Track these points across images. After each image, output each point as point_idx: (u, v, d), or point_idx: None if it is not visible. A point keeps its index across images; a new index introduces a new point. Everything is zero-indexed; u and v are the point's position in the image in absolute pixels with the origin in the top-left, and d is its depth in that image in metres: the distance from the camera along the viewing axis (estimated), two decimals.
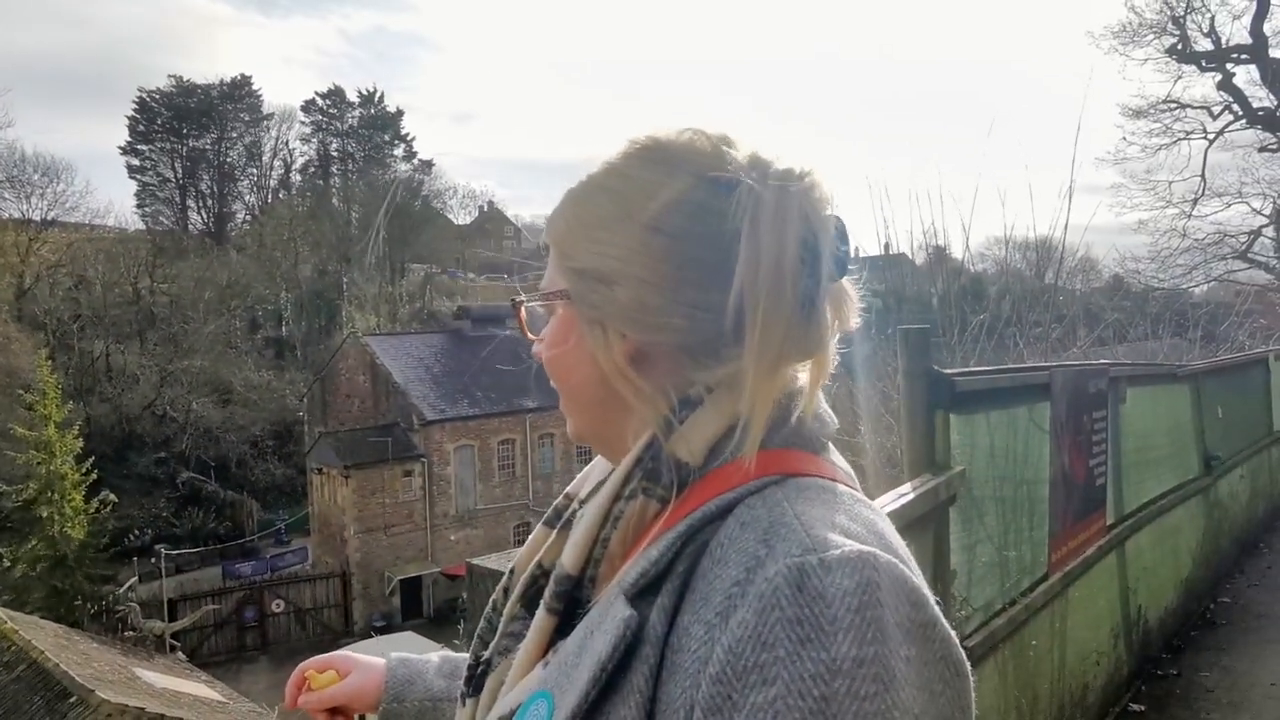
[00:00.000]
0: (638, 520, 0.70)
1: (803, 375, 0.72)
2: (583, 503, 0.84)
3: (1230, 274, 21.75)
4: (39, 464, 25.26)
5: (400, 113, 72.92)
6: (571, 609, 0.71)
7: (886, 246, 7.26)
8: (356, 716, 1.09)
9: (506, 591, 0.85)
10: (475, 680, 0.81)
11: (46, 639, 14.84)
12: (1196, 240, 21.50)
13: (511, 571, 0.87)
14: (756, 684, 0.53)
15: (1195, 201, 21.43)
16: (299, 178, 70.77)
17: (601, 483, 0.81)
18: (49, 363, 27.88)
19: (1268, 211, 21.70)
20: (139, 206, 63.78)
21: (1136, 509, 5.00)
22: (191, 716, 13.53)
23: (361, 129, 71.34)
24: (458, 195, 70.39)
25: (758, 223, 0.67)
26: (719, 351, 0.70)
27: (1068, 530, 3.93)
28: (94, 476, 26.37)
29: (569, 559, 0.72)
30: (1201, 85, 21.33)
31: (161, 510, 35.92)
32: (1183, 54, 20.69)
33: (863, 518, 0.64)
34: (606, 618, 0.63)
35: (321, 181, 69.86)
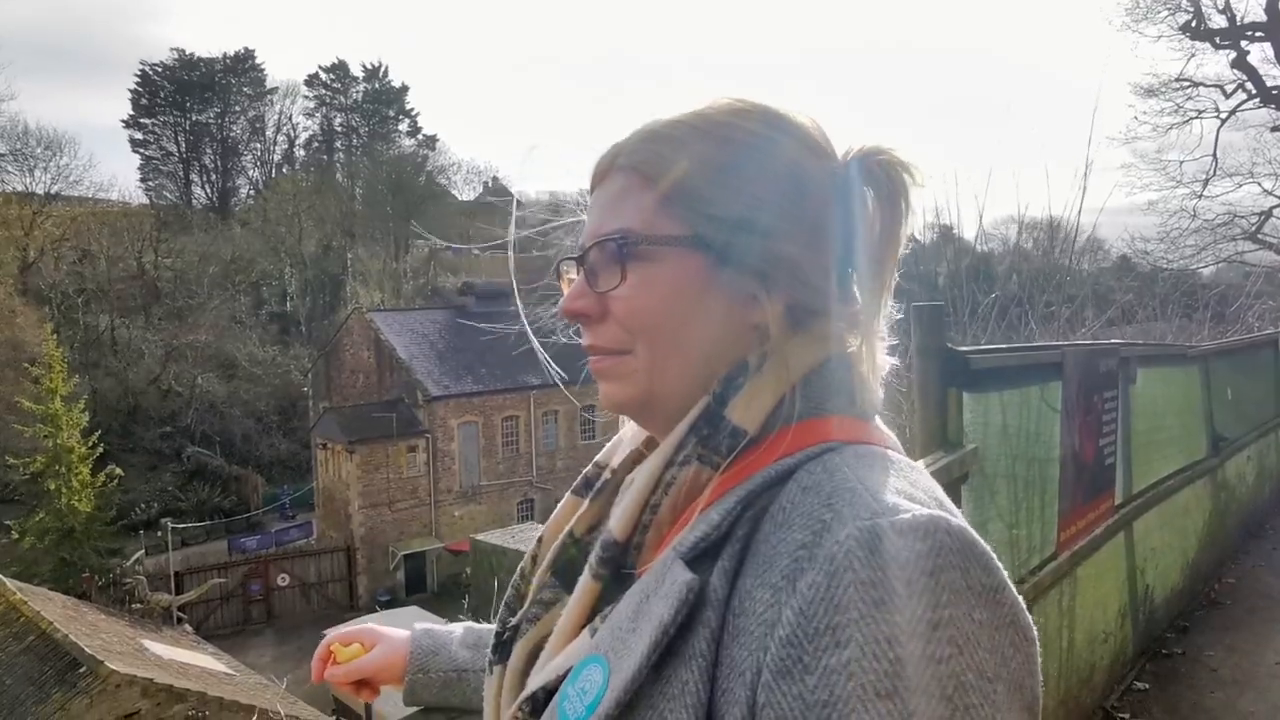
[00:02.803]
0: (690, 487, 0.69)
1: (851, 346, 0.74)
2: (615, 471, 0.83)
3: (1240, 255, 21.60)
4: (45, 437, 25.41)
5: (405, 88, 72.55)
6: (617, 576, 0.70)
7: None
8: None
9: (535, 560, 0.85)
10: (503, 647, 0.81)
11: (55, 610, 14.96)
12: (1206, 221, 21.34)
13: (540, 540, 0.86)
14: (829, 646, 0.53)
15: (1206, 181, 21.27)
16: (303, 153, 70.63)
17: (641, 450, 0.81)
18: (54, 336, 27.94)
19: (1279, 192, 21.52)
20: (142, 180, 63.81)
21: (1144, 489, 4.99)
22: (199, 687, 13.65)
23: (366, 104, 70.97)
24: (462, 170, 70.05)
25: (887, 200, 0.73)
26: (823, 313, 0.73)
27: (1076, 510, 3.92)
28: (100, 450, 26.53)
29: (617, 525, 0.71)
30: (1215, 63, 21.16)
31: (167, 484, 36.13)
32: (1196, 31, 20.41)
33: (922, 484, 0.64)
34: (665, 582, 0.62)
35: (325, 156, 69.64)
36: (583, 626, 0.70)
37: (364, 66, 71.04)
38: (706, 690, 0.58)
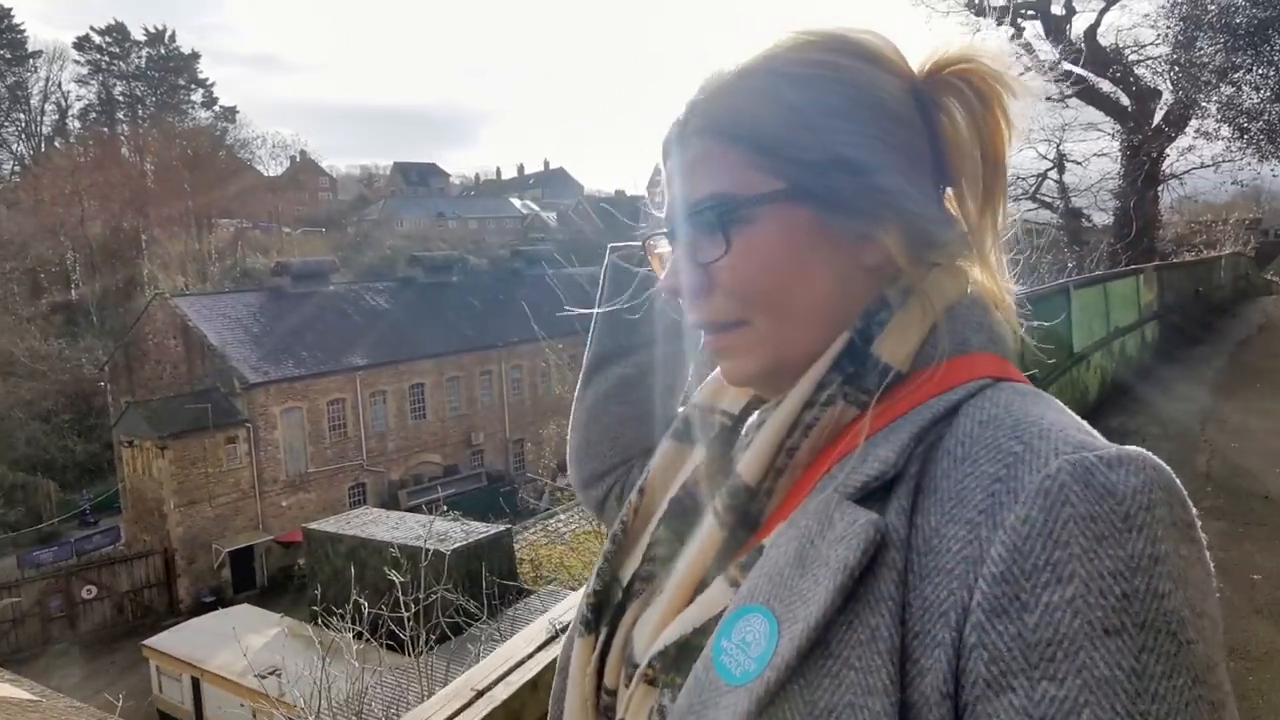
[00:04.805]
0: (833, 428, 0.66)
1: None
2: (731, 415, 0.80)
3: (1022, 214, 23.88)
4: None
5: (196, 55, 67.15)
6: (742, 523, 0.68)
7: None
8: None
9: (637, 512, 0.81)
10: (606, 608, 0.78)
11: None
12: None
13: (642, 491, 0.82)
14: (1050, 582, 0.52)
15: None
16: (78, 124, 63.94)
17: (758, 395, 0.79)
18: None
19: (1052, 156, 23.95)
20: None
21: None
22: None
23: (151, 71, 64.99)
24: (267, 145, 65.78)
25: (977, 114, 0.71)
26: (938, 240, 0.70)
27: None
28: None
29: (748, 470, 0.68)
30: (997, 38, 22.97)
31: None
32: (978, 8, 22.18)
33: (1085, 424, 0.63)
34: (834, 524, 0.59)
35: (106, 129, 63.34)
36: (700, 577, 0.68)
37: (146, 30, 65.09)
38: (898, 634, 0.56)
